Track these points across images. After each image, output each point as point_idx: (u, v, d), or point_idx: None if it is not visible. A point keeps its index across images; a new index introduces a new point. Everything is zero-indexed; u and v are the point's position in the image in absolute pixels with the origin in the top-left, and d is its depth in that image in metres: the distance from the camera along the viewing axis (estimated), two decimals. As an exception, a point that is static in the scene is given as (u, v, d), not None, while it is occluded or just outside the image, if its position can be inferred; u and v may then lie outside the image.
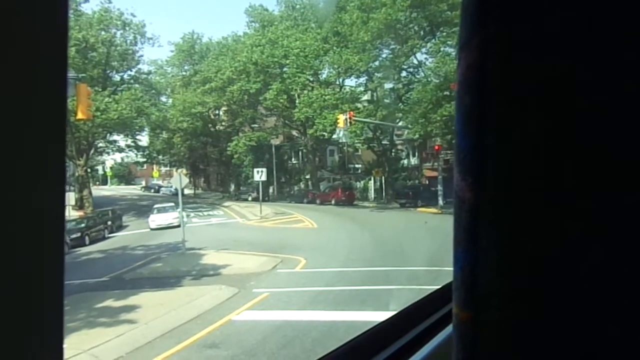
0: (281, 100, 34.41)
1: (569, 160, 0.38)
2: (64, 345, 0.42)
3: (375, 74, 32.72)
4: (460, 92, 0.43)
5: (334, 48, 31.45)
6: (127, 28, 32.53)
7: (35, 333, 0.42)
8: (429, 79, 28.59)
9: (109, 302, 11.91)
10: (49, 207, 0.43)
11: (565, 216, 0.38)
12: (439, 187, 27.89)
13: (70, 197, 24.80)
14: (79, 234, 20.98)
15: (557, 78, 0.38)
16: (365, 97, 33.65)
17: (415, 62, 31.20)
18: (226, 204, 35.39)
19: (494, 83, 0.40)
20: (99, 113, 26.76)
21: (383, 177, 33.49)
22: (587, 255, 0.38)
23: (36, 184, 0.42)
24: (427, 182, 32.76)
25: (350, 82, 34.52)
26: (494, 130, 0.40)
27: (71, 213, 24.34)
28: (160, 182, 49.51)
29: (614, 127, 0.37)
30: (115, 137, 33.95)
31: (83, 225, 22.44)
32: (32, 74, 0.41)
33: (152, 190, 47.80)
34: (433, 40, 29.04)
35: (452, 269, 0.44)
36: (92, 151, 31.83)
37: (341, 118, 29.15)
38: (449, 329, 1.43)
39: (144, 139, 37.96)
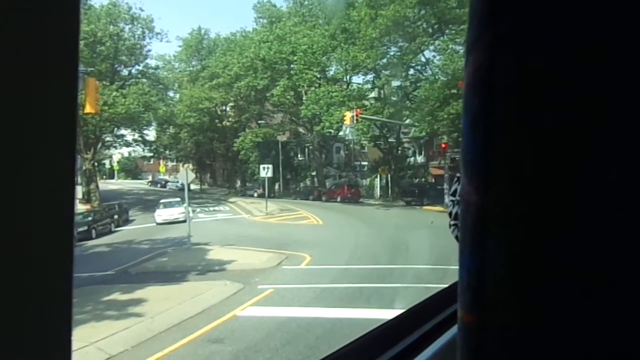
0: (288, 97, 34.43)
1: (578, 163, 0.37)
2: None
3: (383, 71, 32.60)
4: (467, 94, 0.42)
5: (342, 45, 31.35)
6: (135, 22, 32.70)
7: (44, 328, 0.41)
8: (437, 77, 28.45)
9: (115, 296, 12.00)
10: (60, 205, 0.42)
11: (575, 220, 0.37)
12: (445, 186, 27.76)
13: (77, 191, 24.92)
14: (85, 228, 21.13)
15: (567, 79, 0.37)
16: (373, 94, 33.53)
17: (423, 59, 31.09)
18: (232, 199, 35.50)
19: (502, 84, 0.39)
20: (106, 107, 26.89)
21: (389, 175, 33.44)
22: (597, 260, 0.37)
23: (47, 182, 0.41)
24: (433, 180, 32.67)
25: (357, 80, 34.51)
26: (502, 132, 0.40)
27: (78, 206, 24.50)
28: (166, 177, 49.81)
29: (624, 128, 0.36)
30: (122, 131, 34.19)
31: (90, 218, 22.62)
32: (43, 71, 0.40)
33: (159, 185, 48.08)
34: (441, 38, 28.88)
35: (457, 267, 0.44)
36: (99, 145, 32.02)
37: (348, 115, 29.10)
38: (453, 329, 1.43)
39: (151, 134, 38.21)
